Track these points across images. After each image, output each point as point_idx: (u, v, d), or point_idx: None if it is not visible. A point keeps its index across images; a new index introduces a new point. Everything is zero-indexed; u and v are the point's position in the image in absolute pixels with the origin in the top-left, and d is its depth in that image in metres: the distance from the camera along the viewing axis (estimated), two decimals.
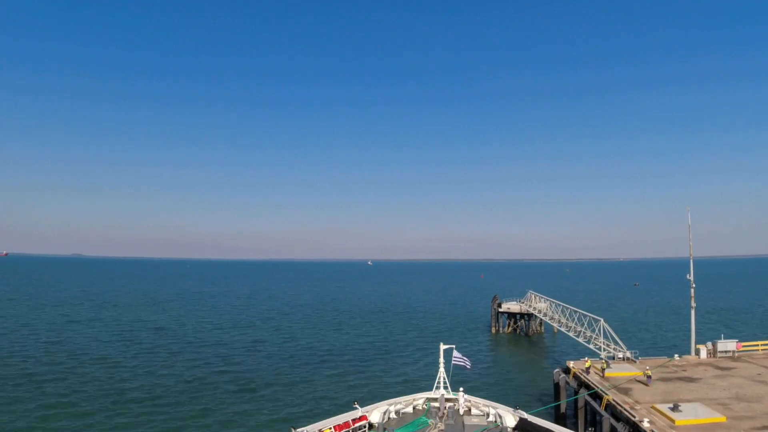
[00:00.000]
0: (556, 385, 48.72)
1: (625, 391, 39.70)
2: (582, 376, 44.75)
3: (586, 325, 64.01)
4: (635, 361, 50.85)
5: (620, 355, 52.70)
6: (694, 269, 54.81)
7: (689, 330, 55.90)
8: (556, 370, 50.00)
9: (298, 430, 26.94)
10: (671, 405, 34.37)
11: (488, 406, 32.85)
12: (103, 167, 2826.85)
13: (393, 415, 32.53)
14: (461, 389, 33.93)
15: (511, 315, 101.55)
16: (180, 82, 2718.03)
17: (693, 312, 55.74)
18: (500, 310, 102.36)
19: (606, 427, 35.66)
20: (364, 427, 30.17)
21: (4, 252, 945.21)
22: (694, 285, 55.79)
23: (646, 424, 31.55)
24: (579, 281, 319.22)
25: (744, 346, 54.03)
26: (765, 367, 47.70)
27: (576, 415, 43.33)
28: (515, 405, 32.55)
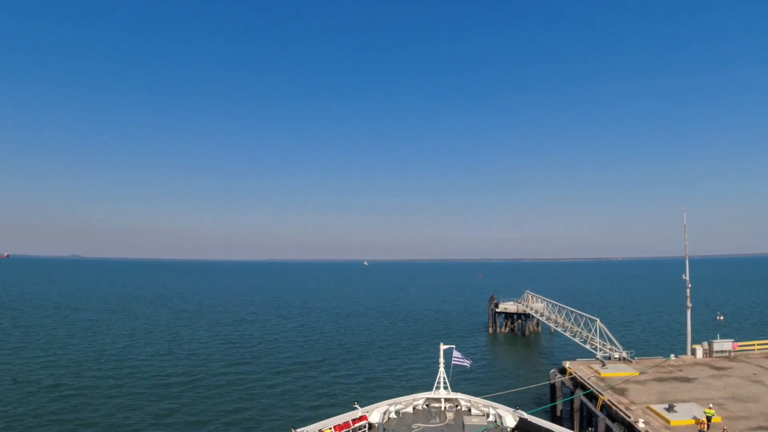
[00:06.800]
0: (552, 386, 48.95)
1: (621, 392, 40.03)
2: (578, 377, 45.07)
3: (582, 325, 64.30)
4: (631, 361, 51.21)
5: (616, 355, 52.99)
6: (690, 268, 55.21)
7: (685, 330, 56.27)
8: (552, 370, 50.23)
9: (298, 430, 27.23)
10: (666, 405, 34.77)
11: (488, 406, 33.16)
12: (102, 170, 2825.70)
13: (393, 415, 32.84)
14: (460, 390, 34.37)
15: (508, 315, 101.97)
16: (178, 86, 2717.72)
17: (689, 312, 56.08)
18: (497, 310, 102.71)
19: (601, 428, 35.98)
20: (364, 427, 30.47)
21: (6, 254, 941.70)
22: (689, 285, 56.11)
23: (641, 425, 31.92)
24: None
25: (740, 346, 54.34)
26: (761, 366, 48.04)
27: (572, 416, 43.63)
28: (515, 405, 32.92)
